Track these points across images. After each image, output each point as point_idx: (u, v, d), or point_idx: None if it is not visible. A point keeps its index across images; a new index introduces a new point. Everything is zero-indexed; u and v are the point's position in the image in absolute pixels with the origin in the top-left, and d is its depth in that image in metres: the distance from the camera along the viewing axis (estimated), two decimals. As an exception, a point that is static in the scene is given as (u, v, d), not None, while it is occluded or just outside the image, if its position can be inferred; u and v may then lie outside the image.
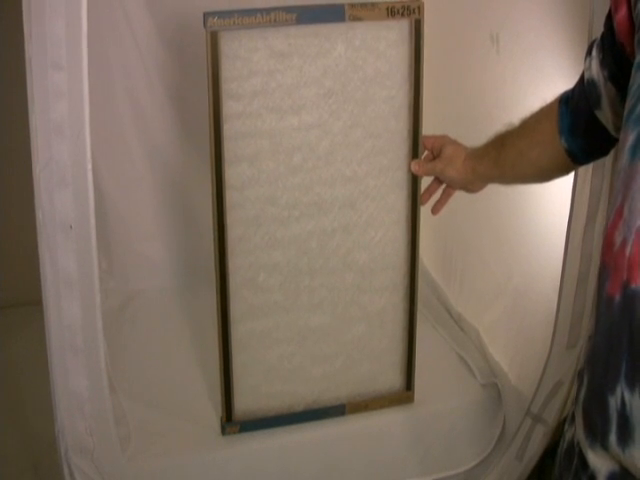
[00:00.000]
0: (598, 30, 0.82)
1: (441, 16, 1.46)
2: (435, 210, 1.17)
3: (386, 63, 1.10)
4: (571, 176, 1.07)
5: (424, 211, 1.19)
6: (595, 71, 0.81)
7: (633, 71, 0.65)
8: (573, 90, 0.90)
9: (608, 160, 1.04)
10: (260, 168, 1.09)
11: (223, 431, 1.19)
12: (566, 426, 0.74)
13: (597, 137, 0.87)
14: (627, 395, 0.61)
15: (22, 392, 1.41)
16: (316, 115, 1.10)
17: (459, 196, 1.16)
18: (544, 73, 1.20)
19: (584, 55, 0.85)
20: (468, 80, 1.44)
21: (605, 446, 0.63)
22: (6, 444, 1.30)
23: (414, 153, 1.15)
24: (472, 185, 1.10)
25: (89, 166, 0.92)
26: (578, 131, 0.89)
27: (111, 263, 1.63)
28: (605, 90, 0.81)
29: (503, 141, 1.02)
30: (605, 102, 0.82)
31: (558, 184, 1.04)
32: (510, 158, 1.01)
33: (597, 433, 0.64)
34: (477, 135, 1.10)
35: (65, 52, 0.87)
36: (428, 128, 1.17)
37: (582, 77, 0.86)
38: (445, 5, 1.41)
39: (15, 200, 1.34)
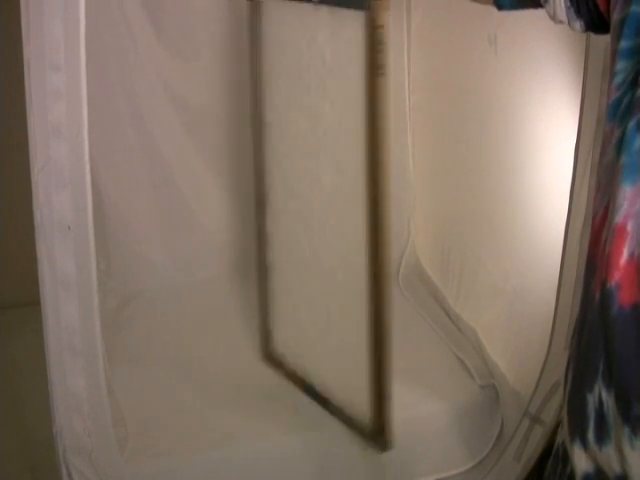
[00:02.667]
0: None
1: (439, 17, 1.46)
2: None
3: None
4: (569, 177, 1.07)
5: (423, 211, 1.19)
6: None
7: (616, 56, 0.64)
8: None
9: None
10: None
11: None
12: (560, 427, 0.74)
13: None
14: (604, 394, 0.61)
15: (20, 393, 1.41)
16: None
17: (458, 197, 1.16)
18: (541, 74, 1.20)
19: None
20: (466, 80, 1.44)
21: (584, 444, 0.64)
22: (4, 444, 1.30)
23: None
24: None
25: (87, 167, 0.92)
26: None
27: (109, 264, 1.63)
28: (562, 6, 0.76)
29: None
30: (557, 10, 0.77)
31: (556, 184, 1.04)
32: None
33: (577, 431, 0.65)
34: (475, 135, 1.10)
35: (63, 53, 0.87)
36: (426, 128, 1.17)
37: None
38: (443, 6, 1.41)
39: (14, 201, 1.34)
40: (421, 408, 1.27)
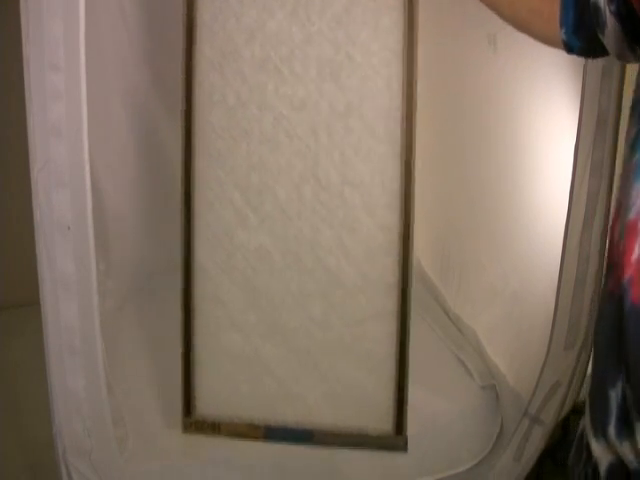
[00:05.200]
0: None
1: (438, 17, 1.46)
2: None
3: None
4: (568, 177, 1.07)
5: (423, 212, 1.20)
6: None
7: None
8: None
9: (606, 161, 1.04)
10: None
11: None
12: (582, 419, 0.74)
13: (601, 47, 0.78)
14: (627, 389, 0.62)
15: (20, 393, 1.41)
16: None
17: (457, 197, 1.16)
18: (541, 74, 1.20)
19: None
20: (465, 81, 1.45)
21: (606, 438, 0.64)
22: (4, 445, 1.30)
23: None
24: None
25: (87, 167, 0.92)
26: (582, 34, 0.79)
27: (109, 264, 1.63)
28: (610, 24, 0.73)
29: None
30: (608, 32, 0.74)
31: (556, 184, 1.04)
32: None
33: (599, 426, 0.65)
34: (474, 136, 1.10)
35: (63, 53, 0.87)
36: (424, 129, 1.17)
37: None
38: (442, 6, 1.41)
39: (13, 201, 1.34)
40: (421, 408, 1.27)
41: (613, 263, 0.64)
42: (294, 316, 1.11)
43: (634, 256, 0.60)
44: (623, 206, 0.62)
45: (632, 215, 0.61)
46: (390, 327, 1.12)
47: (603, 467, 0.65)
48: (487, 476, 1.26)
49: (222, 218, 1.09)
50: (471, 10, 1.39)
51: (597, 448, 0.66)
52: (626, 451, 0.62)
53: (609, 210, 1.08)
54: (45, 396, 1.00)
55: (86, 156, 0.92)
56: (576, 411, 1.30)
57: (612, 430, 0.63)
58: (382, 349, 1.13)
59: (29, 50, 0.86)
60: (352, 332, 1.13)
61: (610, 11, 0.73)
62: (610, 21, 0.73)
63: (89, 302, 0.98)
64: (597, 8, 0.74)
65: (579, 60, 1.01)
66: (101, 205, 1.56)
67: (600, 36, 0.76)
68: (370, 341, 1.13)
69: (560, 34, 0.81)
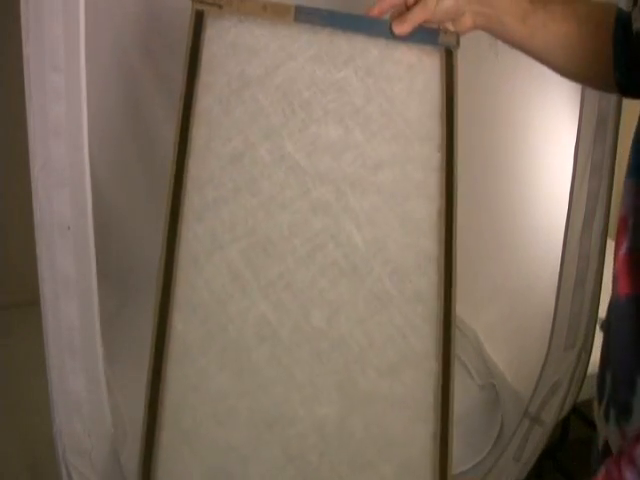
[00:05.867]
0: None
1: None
2: (400, 28, 0.87)
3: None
4: (569, 176, 1.07)
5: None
6: None
7: None
8: (630, 23, 0.77)
9: (606, 161, 1.04)
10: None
11: None
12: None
13: None
14: (607, 377, 0.64)
15: (19, 393, 1.41)
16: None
17: (457, 196, 1.16)
18: (542, 76, 1.20)
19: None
20: (465, 82, 1.44)
21: (601, 417, 0.67)
22: (4, 444, 1.30)
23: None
24: (463, 18, 0.87)
25: (87, 167, 0.92)
26: (637, 73, 0.76)
27: (109, 264, 1.63)
28: None
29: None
30: None
31: (556, 184, 1.04)
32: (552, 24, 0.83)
33: (599, 401, 0.68)
34: (475, 135, 1.10)
35: (63, 53, 0.87)
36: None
37: (630, 28, 0.77)
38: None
39: (13, 201, 1.34)
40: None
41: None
42: (298, 415, 0.84)
43: (621, 251, 0.62)
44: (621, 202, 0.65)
45: (623, 211, 0.63)
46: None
47: (600, 443, 0.68)
48: (487, 476, 1.26)
49: (212, 282, 0.86)
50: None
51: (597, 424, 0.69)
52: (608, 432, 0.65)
53: (609, 210, 1.08)
54: (45, 396, 1.00)
55: (86, 156, 0.92)
56: (576, 411, 1.31)
57: (601, 412, 0.66)
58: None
59: (29, 50, 0.86)
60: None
61: None
62: None
63: (89, 302, 0.98)
64: None
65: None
66: (101, 205, 1.56)
67: None
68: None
69: (615, 76, 0.79)
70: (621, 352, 0.63)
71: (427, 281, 0.86)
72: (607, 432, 0.65)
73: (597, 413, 0.69)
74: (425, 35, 0.88)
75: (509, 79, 1.29)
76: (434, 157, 0.89)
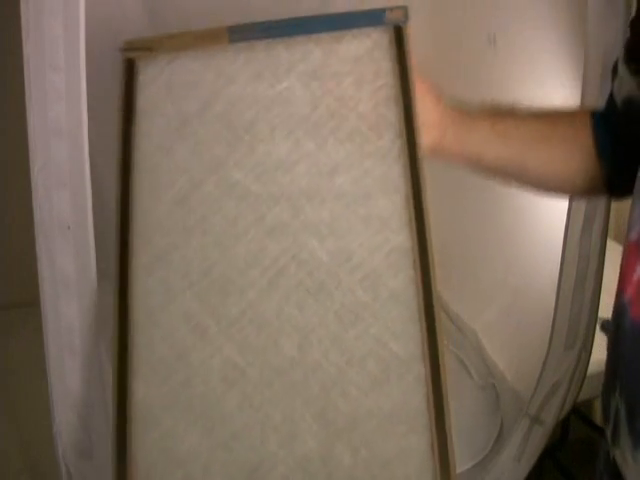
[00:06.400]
0: (595, 31, 0.82)
1: (438, 17, 1.46)
2: None
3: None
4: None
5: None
6: (629, 87, 0.72)
7: None
8: (607, 114, 0.79)
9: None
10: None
11: None
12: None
13: None
14: (619, 402, 0.63)
15: (19, 393, 1.41)
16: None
17: (455, 196, 1.16)
18: (541, 74, 1.20)
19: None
20: (465, 81, 1.45)
21: (607, 439, 0.67)
22: (4, 444, 1.30)
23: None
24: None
25: (87, 167, 0.92)
26: (625, 160, 0.75)
27: (109, 264, 1.63)
28: None
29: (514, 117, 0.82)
30: None
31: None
32: (527, 136, 0.81)
33: (605, 426, 0.68)
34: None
35: (63, 53, 0.87)
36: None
37: (608, 102, 0.78)
38: (441, 5, 1.41)
39: (13, 201, 1.34)
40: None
41: (620, 275, 0.66)
42: (279, 457, 0.78)
43: (635, 276, 0.61)
44: (628, 224, 0.64)
45: (633, 235, 0.62)
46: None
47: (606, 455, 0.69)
48: (487, 476, 1.26)
49: (170, 336, 0.82)
50: (471, 10, 1.40)
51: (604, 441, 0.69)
52: (619, 459, 0.64)
53: (609, 210, 1.09)
54: (45, 396, 1.00)
55: (86, 156, 0.92)
56: (576, 411, 1.31)
57: (609, 434, 0.66)
58: None
59: (29, 50, 0.86)
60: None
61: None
62: None
63: (89, 302, 0.98)
64: (630, 100, 0.71)
65: (579, 61, 1.01)
66: (101, 205, 1.55)
67: None
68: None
69: (602, 169, 0.77)
70: (638, 379, 0.61)
71: (403, 279, 0.80)
72: (618, 457, 0.64)
73: (606, 433, 0.68)
74: (370, 17, 0.84)
75: (508, 78, 1.29)
76: (394, 146, 0.83)
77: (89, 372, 1.01)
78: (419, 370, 0.78)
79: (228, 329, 0.80)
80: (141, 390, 0.81)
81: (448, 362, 0.89)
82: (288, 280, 0.80)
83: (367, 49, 0.86)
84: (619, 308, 0.63)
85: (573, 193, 0.87)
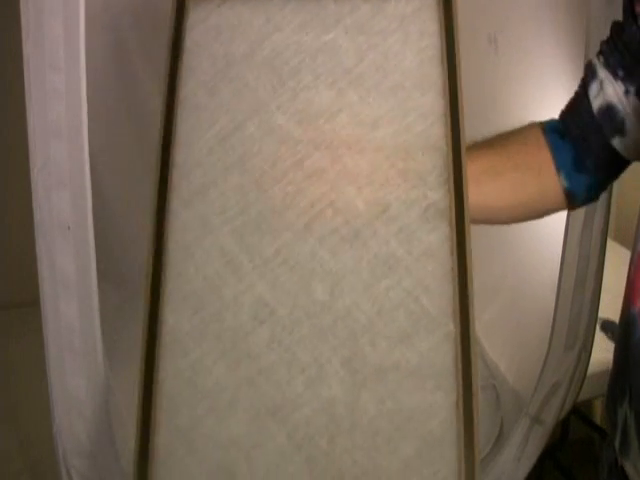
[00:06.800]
0: (596, 31, 0.82)
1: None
2: None
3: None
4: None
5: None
6: (611, 93, 0.72)
7: None
8: (564, 121, 0.79)
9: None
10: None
11: None
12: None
13: (609, 170, 0.76)
14: (628, 412, 0.63)
15: (19, 394, 1.41)
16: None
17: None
18: (542, 74, 1.20)
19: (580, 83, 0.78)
20: (465, 82, 1.45)
21: (614, 449, 0.67)
22: (4, 444, 1.30)
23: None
24: None
25: (87, 167, 0.92)
26: (586, 167, 0.76)
27: (109, 264, 1.63)
28: (631, 109, 0.70)
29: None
30: (631, 124, 0.71)
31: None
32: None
33: (610, 435, 0.68)
34: (474, 135, 1.10)
35: (63, 53, 0.87)
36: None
37: (576, 106, 0.77)
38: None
39: (13, 201, 1.34)
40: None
41: (629, 285, 0.66)
42: (304, 398, 0.79)
43: None
44: (635, 235, 0.63)
45: None
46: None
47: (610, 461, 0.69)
48: (487, 476, 1.26)
49: (204, 268, 0.83)
50: (471, 10, 1.40)
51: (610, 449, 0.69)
52: (629, 468, 0.64)
53: (609, 210, 1.08)
54: (45, 396, 1.00)
55: (86, 156, 0.92)
56: (576, 411, 1.31)
57: (617, 444, 0.65)
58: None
59: (29, 50, 0.86)
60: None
61: (625, 92, 0.70)
62: (631, 108, 0.69)
63: (89, 302, 0.98)
64: (610, 107, 0.71)
65: (579, 60, 1.01)
66: (101, 205, 1.56)
67: (615, 141, 0.72)
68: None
69: (560, 181, 0.76)
70: None
71: (437, 236, 0.80)
72: (629, 468, 0.64)
73: (613, 442, 0.67)
74: None
75: (509, 78, 1.29)
76: (437, 104, 0.84)
77: (89, 372, 1.01)
78: (449, 327, 0.77)
79: (261, 267, 0.81)
80: (171, 320, 0.81)
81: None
82: (324, 225, 0.81)
83: (414, 9, 0.87)
84: (628, 319, 0.62)
85: (536, 217, 0.87)
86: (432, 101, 0.84)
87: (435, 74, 0.85)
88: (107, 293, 1.56)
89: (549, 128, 0.79)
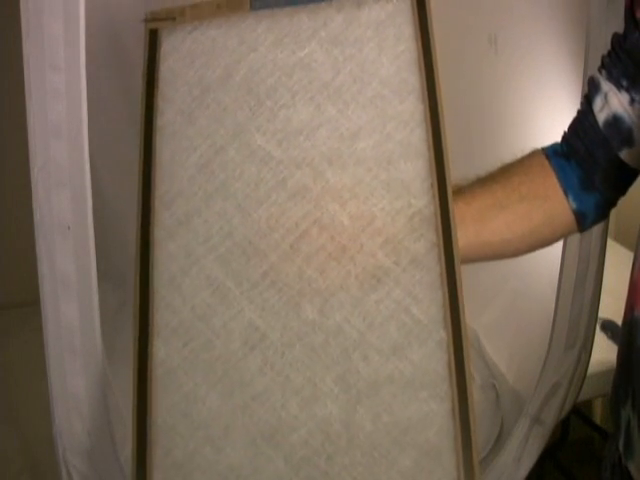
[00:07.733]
0: (596, 31, 0.82)
1: (438, 16, 1.46)
2: None
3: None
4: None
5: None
6: (616, 104, 0.71)
7: None
8: (568, 142, 0.78)
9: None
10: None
11: None
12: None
13: (617, 185, 0.76)
14: (631, 414, 0.63)
15: (20, 393, 1.41)
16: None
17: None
18: (542, 74, 1.20)
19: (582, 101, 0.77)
20: (465, 81, 1.45)
21: (618, 449, 0.68)
22: (3, 445, 1.30)
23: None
24: None
25: (87, 167, 0.92)
26: (594, 184, 0.75)
27: (109, 264, 1.63)
28: (637, 118, 0.69)
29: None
30: (638, 133, 0.70)
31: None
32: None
33: (614, 436, 0.68)
34: (475, 135, 1.10)
35: (63, 52, 0.87)
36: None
37: (580, 124, 0.77)
38: (442, 5, 1.41)
39: (13, 201, 1.34)
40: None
41: (631, 287, 0.66)
42: (299, 420, 0.78)
43: None
44: (637, 239, 0.63)
45: None
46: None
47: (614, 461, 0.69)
48: (487, 476, 1.26)
49: (192, 298, 0.83)
50: (471, 10, 1.40)
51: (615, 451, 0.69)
52: (633, 470, 0.64)
53: (609, 210, 1.08)
54: (45, 396, 1.00)
55: (86, 156, 0.92)
56: (576, 411, 1.31)
57: (621, 445, 0.66)
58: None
59: (29, 50, 0.86)
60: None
61: (630, 101, 0.69)
62: (637, 118, 0.68)
63: (89, 302, 0.98)
64: (616, 118, 0.70)
65: (580, 60, 1.01)
66: (101, 205, 1.56)
67: (623, 153, 0.71)
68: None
69: (569, 203, 0.75)
70: None
71: (424, 244, 0.79)
72: (633, 470, 0.64)
73: (617, 442, 0.68)
74: None
75: (509, 78, 1.29)
76: (417, 110, 0.83)
77: (89, 372, 1.01)
78: (441, 335, 0.77)
79: (249, 292, 0.81)
80: (162, 352, 0.82)
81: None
82: (309, 244, 0.81)
83: (388, 14, 0.86)
84: (631, 323, 0.63)
85: (546, 244, 0.84)
86: (412, 107, 0.83)
87: (413, 79, 0.84)
88: (107, 293, 1.56)
89: (552, 152, 0.78)
